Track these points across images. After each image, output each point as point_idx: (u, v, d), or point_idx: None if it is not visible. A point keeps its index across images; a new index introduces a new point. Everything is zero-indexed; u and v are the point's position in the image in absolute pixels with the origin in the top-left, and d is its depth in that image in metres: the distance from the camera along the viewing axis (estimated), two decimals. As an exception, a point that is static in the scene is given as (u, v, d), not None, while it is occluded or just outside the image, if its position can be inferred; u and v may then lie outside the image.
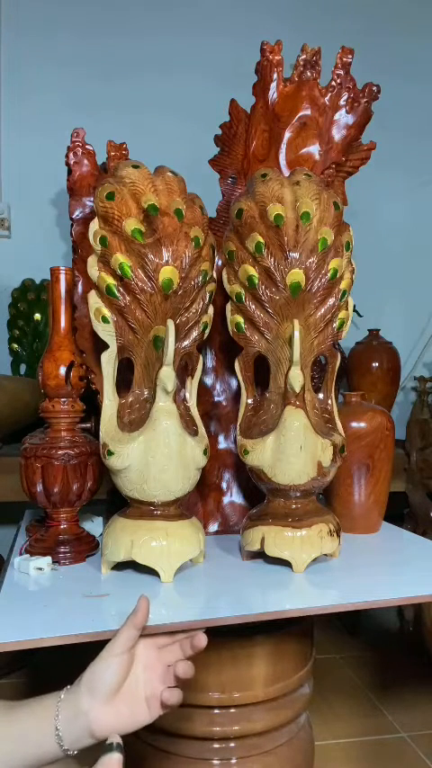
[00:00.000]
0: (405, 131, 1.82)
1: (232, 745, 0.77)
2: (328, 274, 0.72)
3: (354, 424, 0.89)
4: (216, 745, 0.76)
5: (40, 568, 0.74)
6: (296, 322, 0.72)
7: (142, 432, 0.69)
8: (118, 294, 0.70)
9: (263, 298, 0.74)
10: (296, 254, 0.71)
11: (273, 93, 0.91)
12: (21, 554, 0.79)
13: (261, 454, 0.73)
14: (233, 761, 0.77)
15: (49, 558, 0.75)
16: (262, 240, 0.72)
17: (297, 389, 0.70)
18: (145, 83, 1.71)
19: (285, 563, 0.74)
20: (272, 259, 0.72)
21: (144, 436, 0.68)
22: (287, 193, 0.72)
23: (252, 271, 0.73)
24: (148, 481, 0.69)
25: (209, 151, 0.98)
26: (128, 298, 0.70)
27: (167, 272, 0.68)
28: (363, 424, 0.89)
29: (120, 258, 0.69)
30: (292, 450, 0.71)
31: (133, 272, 0.69)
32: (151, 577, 0.71)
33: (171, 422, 0.68)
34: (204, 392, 0.91)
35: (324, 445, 0.73)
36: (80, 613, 0.62)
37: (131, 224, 0.68)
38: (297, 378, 0.70)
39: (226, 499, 0.90)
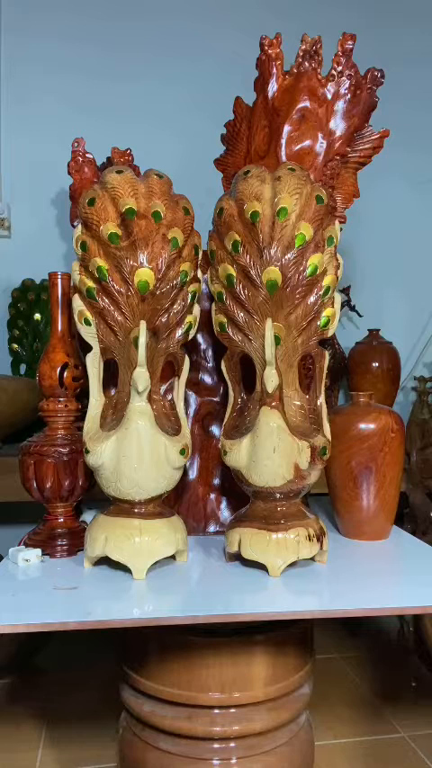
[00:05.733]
0: (408, 127, 1.80)
1: (232, 745, 0.77)
2: (307, 271, 0.71)
3: (358, 426, 0.86)
4: (216, 745, 0.77)
5: (27, 560, 0.77)
6: (269, 321, 0.71)
7: (116, 431, 0.70)
8: (97, 297, 0.72)
9: (241, 297, 0.73)
10: (271, 252, 0.69)
11: (272, 86, 0.90)
12: (19, 545, 0.83)
13: (237, 455, 0.72)
14: (233, 761, 0.77)
15: (38, 551, 0.79)
16: (239, 238, 0.71)
17: (270, 390, 0.69)
18: (146, 84, 1.71)
19: (265, 566, 0.73)
20: (248, 257, 0.71)
21: (117, 435, 0.70)
22: (266, 190, 0.71)
23: (230, 270, 0.73)
24: (122, 480, 0.71)
25: (216, 150, 0.98)
26: (107, 300, 0.72)
27: (143, 274, 0.70)
28: (366, 426, 0.86)
29: (98, 262, 0.71)
30: (266, 452, 0.70)
31: (110, 274, 0.71)
32: (128, 574, 0.72)
33: (143, 422, 0.69)
34: (207, 392, 0.91)
35: (301, 447, 0.71)
36: (41, 604, 0.65)
37: (108, 228, 0.70)
38: (271, 378, 0.69)
39: (227, 500, 0.90)
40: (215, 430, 0.91)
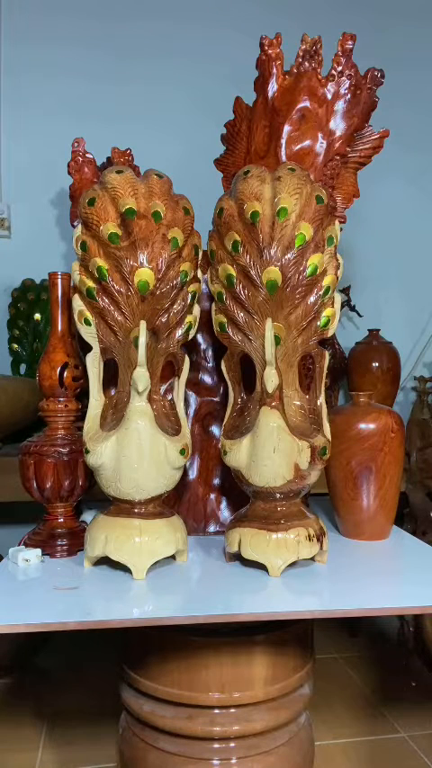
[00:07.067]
0: (409, 128, 1.80)
1: (232, 745, 0.77)
2: (307, 271, 0.71)
3: (358, 426, 0.86)
4: (216, 745, 0.77)
5: (27, 560, 0.77)
6: (269, 321, 0.71)
7: (116, 431, 0.70)
8: (97, 297, 0.72)
9: (241, 297, 0.73)
10: (272, 252, 0.69)
11: (272, 86, 0.90)
12: (19, 545, 0.83)
13: (237, 455, 0.72)
14: (233, 761, 0.77)
15: (38, 551, 0.79)
16: (239, 238, 0.71)
17: (270, 390, 0.69)
18: (146, 85, 1.71)
19: (265, 566, 0.73)
20: (248, 257, 0.71)
21: (117, 435, 0.70)
22: (266, 190, 0.71)
23: (230, 270, 0.73)
24: (122, 479, 0.71)
25: (216, 150, 0.98)
26: (107, 300, 0.72)
27: (143, 274, 0.70)
28: (366, 426, 0.86)
29: (98, 262, 0.71)
30: (266, 452, 0.70)
31: (110, 274, 0.71)
32: (128, 574, 0.72)
33: (143, 422, 0.69)
34: (207, 392, 0.91)
35: (301, 447, 0.71)
36: (41, 604, 0.65)
37: (108, 228, 0.70)
38: (271, 378, 0.69)
39: (227, 500, 0.90)
40: (215, 430, 0.91)
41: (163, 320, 0.74)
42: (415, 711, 1.21)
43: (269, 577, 0.72)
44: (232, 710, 0.76)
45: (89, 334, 0.75)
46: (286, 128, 0.89)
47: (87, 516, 0.91)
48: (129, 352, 0.73)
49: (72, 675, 1.37)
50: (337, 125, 0.89)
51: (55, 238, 1.64)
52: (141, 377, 0.68)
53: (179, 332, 0.77)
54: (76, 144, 1.10)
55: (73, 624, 0.61)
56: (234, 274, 0.73)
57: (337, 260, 0.75)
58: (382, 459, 0.86)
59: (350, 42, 0.87)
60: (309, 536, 0.72)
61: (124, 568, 0.72)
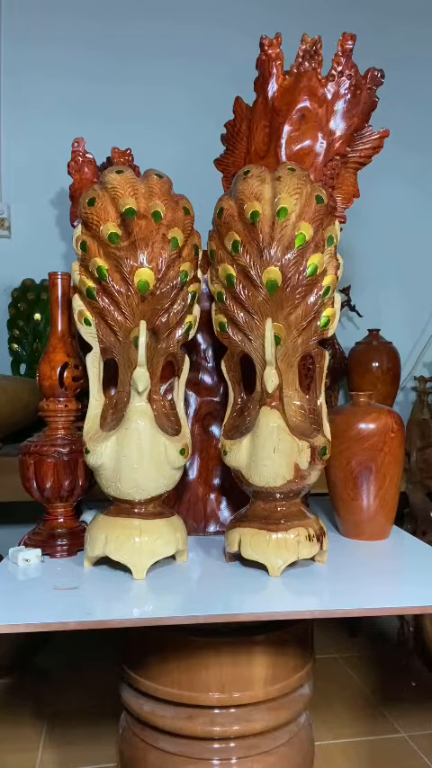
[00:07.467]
0: (409, 128, 1.79)
1: (232, 745, 0.77)
2: (307, 271, 0.71)
3: (358, 426, 0.86)
4: (216, 745, 0.77)
5: (27, 560, 0.77)
6: (269, 321, 0.71)
7: (116, 431, 0.70)
8: (97, 297, 0.72)
9: (241, 297, 0.73)
10: (271, 252, 0.69)
11: (272, 86, 0.90)
12: (19, 545, 0.83)
13: (237, 455, 0.72)
14: (233, 761, 0.77)
15: (38, 551, 0.79)
16: (239, 238, 0.71)
17: (270, 390, 0.69)
18: (146, 85, 1.71)
19: (265, 566, 0.73)
20: (248, 257, 0.71)
21: (117, 435, 0.70)
22: (266, 190, 0.71)
23: (230, 270, 0.73)
24: (122, 479, 0.71)
25: (216, 150, 0.98)
26: (107, 300, 0.72)
27: (143, 274, 0.70)
28: (366, 426, 0.86)
29: (98, 262, 0.71)
30: (266, 452, 0.70)
31: (110, 274, 0.71)
32: (128, 574, 0.72)
33: (143, 421, 0.69)
34: (207, 392, 0.91)
35: (301, 447, 0.71)
36: (41, 604, 0.65)
37: (108, 228, 0.70)
38: (271, 378, 0.69)
39: (227, 500, 0.90)
40: (215, 430, 0.91)
41: (163, 320, 0.74)
42: (415, 711, 1.21)
43: (269, 577, 0.72)
44: (232, 710, 0.76)
45: (89, 334, 0.75)
46: (286, 128, 0.89)
47: (87, 516, 0.91)
48: (129, 352, 0.73)
49: (72, 675, 1.37)
50: (337, 125, 0.89)
51: (55, 238, 1.64)
52: (141, 377, 0.69)
53: (179, 332, 0.77)
54: (76, 144, 1.10)
55: (73, 624, 0.61)
56: (234, 274, 0.73)
57: (337, 260, 0.75)
58: (382, 459, 0.86)
59: (350, 42, 0.87)
60: (309, 536, 0.72)
61: (124, 568, 0.72)
